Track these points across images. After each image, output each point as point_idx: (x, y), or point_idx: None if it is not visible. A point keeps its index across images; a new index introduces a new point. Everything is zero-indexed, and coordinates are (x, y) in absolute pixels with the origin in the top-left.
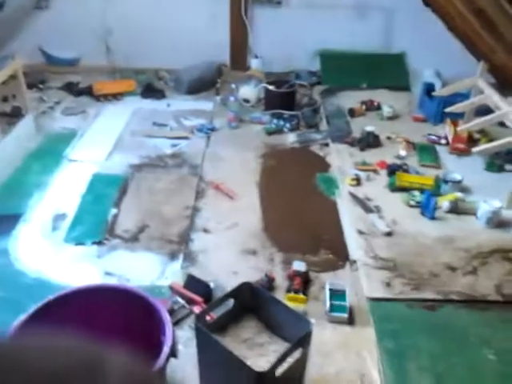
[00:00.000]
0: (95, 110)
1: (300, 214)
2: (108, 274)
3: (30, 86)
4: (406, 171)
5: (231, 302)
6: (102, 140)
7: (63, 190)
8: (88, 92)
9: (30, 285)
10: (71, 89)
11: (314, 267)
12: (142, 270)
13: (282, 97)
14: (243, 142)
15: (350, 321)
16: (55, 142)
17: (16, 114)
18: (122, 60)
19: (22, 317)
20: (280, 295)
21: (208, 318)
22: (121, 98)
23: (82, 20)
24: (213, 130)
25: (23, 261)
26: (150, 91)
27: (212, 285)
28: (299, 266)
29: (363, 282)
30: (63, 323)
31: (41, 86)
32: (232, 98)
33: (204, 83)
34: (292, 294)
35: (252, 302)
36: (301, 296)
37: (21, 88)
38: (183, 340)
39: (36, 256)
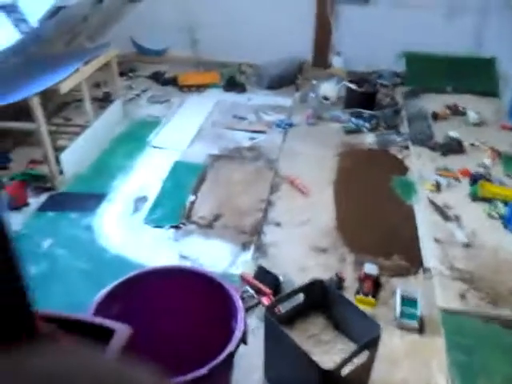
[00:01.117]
0: (179, 99)
1: (374, 215)
2: (183, 257)
3: (121, 74)
4: (490, 181)
5: (301, 296)
6: (184, 129)
7: (145, 175)
8: (173, 82)
9: (110, 260)
10: (158, 78)
11: (386, 271)
12: (215, 257)
13: (363, 96)
14: (320, 139)
15: (420, 329)
16: (140, 128)
17: (106, 100)
18: (207, 53)
19: (103, 291)
20: (349, 296)
21: (276, 310)
22: (204, 90)
23: (171, 13)
24: (291, 125)
25: (105, 238)
26: (232, 85)
27: (281, 278)
28: (371, 269)
29: (437, 291)
30: (141, 300)
31: (130, 74)
32: (312, 95)
33: (285, 79)
34: (361, 297)
35: (321, 299)
36: (370, 299)
37: (113, 75)
38: (250, 329)
39: (117, 234)
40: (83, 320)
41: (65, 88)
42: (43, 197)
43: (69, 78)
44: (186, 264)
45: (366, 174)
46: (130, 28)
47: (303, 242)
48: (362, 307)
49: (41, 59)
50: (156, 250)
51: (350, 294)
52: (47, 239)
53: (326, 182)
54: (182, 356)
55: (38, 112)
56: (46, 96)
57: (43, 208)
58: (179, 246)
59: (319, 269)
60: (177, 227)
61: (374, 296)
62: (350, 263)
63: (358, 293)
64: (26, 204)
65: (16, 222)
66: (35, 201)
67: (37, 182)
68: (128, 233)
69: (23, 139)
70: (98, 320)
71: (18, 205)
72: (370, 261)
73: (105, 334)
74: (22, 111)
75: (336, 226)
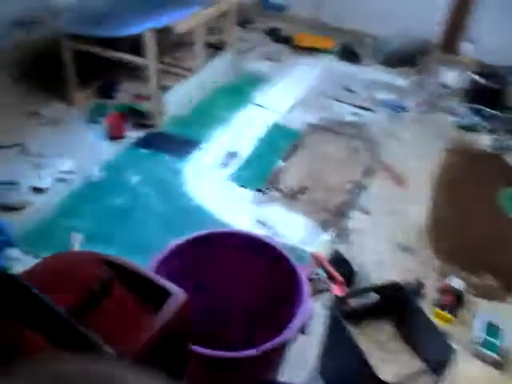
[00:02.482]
0: (291, 60)
1: (471, 224)
2: (260, 222)
3: (238, 24)
4: None
5: (375, 296)
6: (288, 91)
7: (241, 131)
8: (288, 41)
9: (190, 209)
10: (273, 34)
11: (471, 289)
12: (292, 230)
13: (488, 91)
14: (429, 129)
15: (500, 364)
16: (246, 83)
17: (219, 47)
18: (328, 16)
19: (172, 244)
20: (425, 306)
21: (345, 304)
22: (317, 54)
23: None
24: (401, 108)
25: (191, 185)
26: (347, 53)
27: (357, 268)
28: (456, 283)
29: None
30: (206, 260)
31: (247, 25)
32: (431, 80)
33: (404, 57)
34: (439, 310)
35: (396, 304)
36: (448, 315)
37: (230, 24)
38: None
39: (202, 185)
40: (143, 274)
41: (181, 28)
42: (140, 133)
43: (186, 19)
44: (261, 230)
45: (471, 178)
46: None
47: (388, 236)
48: (437, 321)
49: None
50: (235, 209)
51: (427, 303)
52: (136, 175)
53: (425, 176)
54: (236, 326)
55: (151, 48)
56: (161, 34)
57: (138, 144)
58: (259, 210)
59: (399, 269)
60: (260, 191)
61: (452, 312)
62: (434, 270)
63: (436, 305)
64: (122, 137)
65: (109, 152)
66: (133, 135)
67: (137, 117)
68: (213, 185)
69: (133, 73)
70: (157, 278)
71: (114, 136)
72: (457, 273)
73: (161, 293)
74: (136, 45)
75: (427, 226)
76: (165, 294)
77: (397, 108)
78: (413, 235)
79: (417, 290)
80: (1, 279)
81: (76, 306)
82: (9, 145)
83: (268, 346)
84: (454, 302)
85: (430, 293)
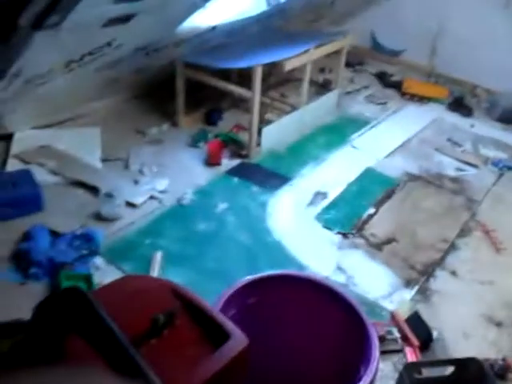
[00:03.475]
0: (397, 105)
1: None
2: (339, 269)
3: (348, 65)
4: None
5: (450, 369)
6: (389, 137)
7: (335, 172)
8: (397, 86)
9: (270, 244)
10: (382, 78)
11: None
12: (372, 282)
13: None
14: None
15: None
16: (347, 124)
17: (325, 86)
18: (443, 65)
19: (249, 277)
20: None
21: (417, 372)
22: (426, 102)
23: (418, 15)
24: (510, 168)
25: (274, 220)
26: (459, 105)
27: (435, 334)
28: None
29: None
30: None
31: (357, 67)
32: None
33: None
34: None
35: (472, 382)
36: None
37: (339, 64)
38: (379, 376)
39: (286, 221)
40: (207, 310)
41: (289, 65)
42: (235, 162)
43: (296, 57)
44: (340, 277)
45: None
46: (373, 21)
47: (476, 305)
48: None
49: (278, 33)
50: (316, 251)
51: None
52: (224, 202)
53: None
54: (294, 377)
55: (258, 82)
56: (271, 69)
57: (231, 172)
58: (340, 255)
59: (484, 344)
60: (345, 235)
61: None
62: None
63: None
64: (219, 164)
65: (204, 177)
66: (227, 163)
67: (235, 146)
68: (296, 223)
69: (238, 103)
70: (220, 317)
71: (212, 162)
72: None
73: (222, 333)
74: (244, 77)
75: None
76: (226, 334)
77: (505, 167)
78: (506, 309)
79: (502, 371)
80: (72, 295)
81: (139, 333)
82: (113, 159)
83: None
84: None
85: None
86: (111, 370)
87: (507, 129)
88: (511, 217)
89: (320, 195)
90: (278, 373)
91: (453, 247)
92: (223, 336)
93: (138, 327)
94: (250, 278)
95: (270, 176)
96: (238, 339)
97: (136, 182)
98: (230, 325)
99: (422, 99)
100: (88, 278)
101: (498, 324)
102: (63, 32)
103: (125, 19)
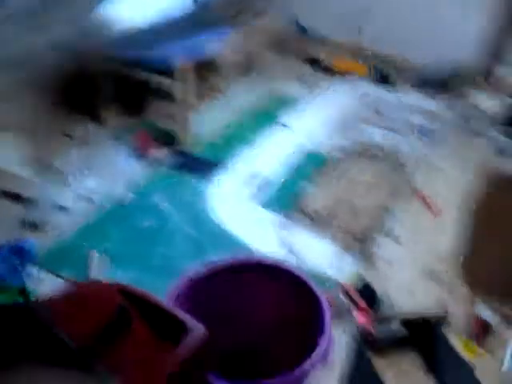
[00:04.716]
0: (324, 83)
1: (504, 253)
2: (284, 246)
3: (270, 47)
4: None
5: (400, 325)
6: (319, 114)
7: (268, 153)
8: (321, 64)
9: (215, 231)
10: (307, 57)
11: (503, 319)
12: (318, 255)
13: None
14: (464, 155)
15: None
16: (275, 106)
17: (251, 69)
18: (368, 41)
19: (198, 269)
20: (452, 337)
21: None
22: (352, 79)
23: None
24: (433, 132)
25: (215, 208)
26: (385, 78)
27: (382, 296)
28: (486, 313)
29: None
30: (226, 288)
31: (279, 48)
32: (466, 105)
33: (439, 82)
34: (466, 341)
35: (421, 333)
36: (476, 346)
37: (262, 46)
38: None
39: (227, 207)
40: (162, 306)
41: (225, 58)
42: (167, 153)
43: (223, 46)
44: (287, 255)
45: (508, 205)
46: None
47: (416, 264)
48: (463, 352)
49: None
50: (260, 232)
51: (453, 334)
52: (161, 196)
53: (458, 205)
54: (254, 355)
55: (181, 70)
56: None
57: (165, 164)
58: (284, 234)
59: (426, 297)
60: (286, 214)
61: (480, 343)
62: (463, 300)
63: (464, 336)
64: (150, 155)
65: (136, 171)
66: (159, 155)
67: (165, 137)
68: (237, 208)
69: (162, 93)
70: (176, 311)
71: (142, 155)
72: (487, 303)
73: (180, 327)
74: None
75: (458, 255)
76: (184, 328)
77: (429, 132)
78: (442, 264)
79: (444, 319)
80: (17, 310)
81: (92, 341)
82: (40, 164)
83: (287, 377)
84: (483, 333)
85: (458, 323)
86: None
87: (431, 98)
88: (442, 180)
89: (257, 177)
90: (240, 353)
91: (391, 214)
92: (181, 329)
93: (93, 334)
94: (199, 268)
95: (204, 163)
96: (197, 331)
97: (64, 184)
98: (186, 318)
99: (348, 75)
100: (23, 291)
101: (438, 279)
102: None
103: None
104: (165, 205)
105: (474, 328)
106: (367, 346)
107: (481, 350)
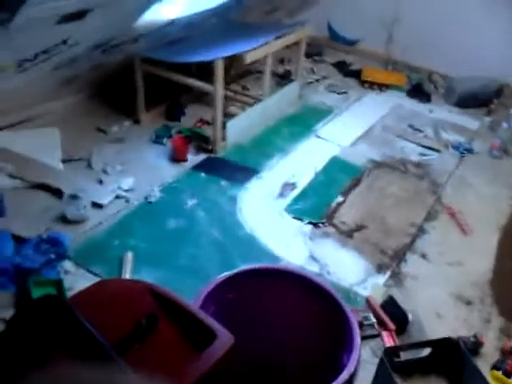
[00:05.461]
0: (357, 94)
1: None
2: (312, 258)
3: (307, 56)
4: None
5: (427, 350)
6: (352, 126)
7: (301, 162)
8: (356, 75)
9: (242, 237)
10: (342, 68)
11: None
12: (345, 269)
13: None
14: (500, 175)
15: None
16: (310, 114)
17: (286, 78)
18: (400, 52)
19: (220, 277)
20: (482, 367)
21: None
22: (385, 90)
23: (374, 4)
24: (470, 151)
25: (244, 214)
26: (417, 91)
27: (410, 316)
28: None
29: None
30: (252, 296)
31: (316, 57)
32: (505, 125)
33: (477, 99)
34: (499, 374)
35: (450, 361)
36: (510, 382)
37: (299, 55)
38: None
39: (256, 214)
40: (190, 310)
41: (250, 58)
42: (201, 157)
43: (256, 49)
44: (313, 266)
45: None
46: (329, 11)
47: (447, 286)
48: None
49: (237, 26)
50: (288, 242)
51: (485, 363)
52: (193, 198)
53: (492, 226)
54: (279, 367)
55: (219, 76)
56: (231, 62)
57: (198, 168)
58: (312, 245)
59: (456, 322)
60: (316, 225)
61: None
62: (496, 328)
63: (495, 367)
64: (185, 160)
65: (171, 174)
66: (193, 159)
67: (199, 141)
68: (267, 216)
69: (200, 98)
70: (204, 317)
71: (178, 158)
72: None
73: (207, 332)
74: (205, 71)
75: (491, 278)
76: (210, 334)
77: (466, 151)
78: (475, 288)
79: (474, 347)
80: (49, 304)
81: (121, 339)
82: (75, 159)
83: None
84: None
85: (490, 353)
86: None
87: (464, 113)
88: (474, 198)
89: (288, 186)
90: (261, 364)
91: (421, 231)
92: (207, 335)
93: (120, 333)
94: (227, 274)
95: (237, 170)
96: (224, 338)
97: (100, 182)
98: (214, 324)
99: (381, 87)
100: (58, 284)
101: (468, 303)
102: (13, 30)
103: (79, 15)
104: (195, 207)
105: (509, 362)
106: (393, 368)
107: None
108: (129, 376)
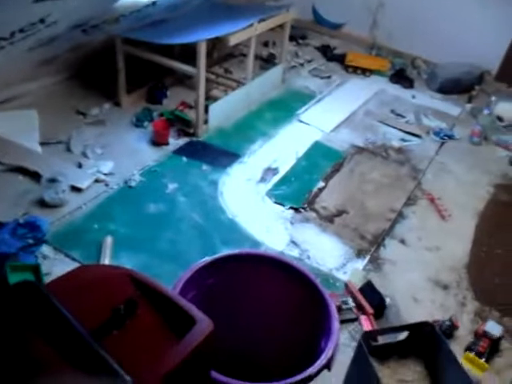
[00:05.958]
0: (341, 78)
1: None
2: (293, 242)
3: (291, 39)
4: None
5: (405, 334)
6: (335, 111)
7: (283, 147)
8: (340, 59)
9: (223, 222)
10: (326, 52)
11: (511, 336)
12: (325, 254)
13: None
14: (479, 162)
15: None
16: (293, 99)
17: (270, 61)
18: (384, 37)
19: (199, 263)
20: (457, 349)
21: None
22: (369, 75)
23: None
24: (450, 137)
25: (226, 198)
26: (400, 77)
27: (388, 300)
28: (493, 328)
29: None
30: (231, 281)
31: (300, 41)
32: (486, 111)
33: (459, 85)
34: (472, 355)
35: (426, 343)
36: (481, 362)
37: (283, 38)
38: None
39: (237, 199)
40: (169, 296)
41: (234, 40)
42: (182, 141)
43: (240, 32)
44: (294, 251)
45: None
46: None
47: (424, 270)
48: (469, 367)
49: (220, 7)
50: (269, 226)
51: (459, 346)
52: (174, 183)
53: (470, 211)
54: (258, 353)
55: (202, 58)
56: (214, 44)
57: (179, 152)
58: (293, 230)
59: (433, 306)
60: (297, 210)
61: (487, 359)
62: (470, 312)
63: (469, 349)
64: (166, 143)
65: (152, 158)
66: (174, 142)
67: (181, 125)
68: (248, 200)
69: (182, 81)
70: (183, 303)
71: (159, 142)
72: (495, 317)
73: (186, 318)
74: (187, 53)
75: (467, 263)
76: (190, 319)
77: (446, 137)
78: (452, 272)
79: (449, 330)
80: (25, 289)
81: (99, 325)
82: (53, 142)
83: (292, 380)
84: (488, 349)
85: (464, 335)
86: (73, 368)
87: (446, 99)
88: (454, 184)
89: (270, 171)
90: (240, 350)
91: (401, 216)
92: (187, 321)
93: (99, 319)
94: (207, 259)
95: (218, 154)
96: (204, 324)
97: (80, 166)
98: (194, 309)
99: (364, 72)
100: (36, 269)
101: (445, 287)
102: None
103: None
104: (175, 191)
105: (481, 343)
106: (371, 352)
107: (486, 367)
108: None
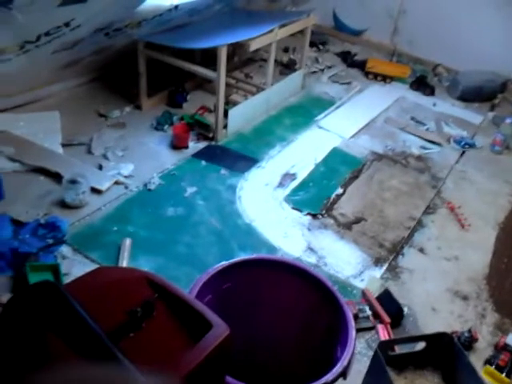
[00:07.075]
0: (360, 85)
1: None
2: (310, 249)
3: (311, 45)
4: None
5: (422, 344)
6: (355, 117)
7: (302, 153)
8: (360, 66)
9: (240, 227)
10: (346, 58)
11: None
12: (342, 261)
13: None
14: (501, 171)
15: None
16: (312, 104)
17: (290, 67)
18: (405, 44)
19: (216, 267)
20: (476, 362)
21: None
22: (389, 82)
23: None
24: (471, 146)
25: (243, 203)
26: (421, 84)
27: (405, 310)
28: None
29: None
30: (247, 286)
31: (320, 47)
32: (508, 120)
33: (481, 93)
34: (492, 369)
35: (444, 355)
36: (502, 376)
37: (304, 44)
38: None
39: (255, 204)
40: (186, 300)
41: (254, 45)
42: (202, 145)
43: (261, 37)
44: (311, 258)
45: None
46: (336, 1)
47: (443, 280)
48: (489, 381)
49: (241, 13)
50: (287, 232)
51: (478, 358)
52: (192, 186)
53: (490, 221)
54: (272, 359)
55: (223, 63)
56: (235, 49)
57: (198, 155)
58: (311, 236)
59: (451, 317)
60: (314, 216)
61: (508, 374)
62: (490, 324)
63: (489, 362)
64: (186, 147)
65: (171, 161)
66: (194, 146)
67: (200, 129)
68: (266, 205)
69: (202, 85)
70: (200, 307)
71: (179, 145)
72: None
73: (203, 322)
74: (208, 58)
75: (487, 274)
76: (206, 323)
77: (467, 145)
78: (472, 283)
79: (468, 342)
80: (45, 289)
81: (116, 327)
82: (75, 143)
83: None
84: (509, 362)
85: (483, 348)
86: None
87: (468, 107)
88: (474, 194)
89: (288, 176)
90: (255, 354)
91: (420, 224)
92: (203, 325)
93: (116, 321)
94: (224, 263)
95: (237, 158)
96: (220, 328)
97: (100, 167)
98: (210, 314)
99: (385, 78)
100: (55, 269)
101: (464, 298)
102: (15, 11)
103: None
104: (194, 195)
105: (503, 357)
106: (387, 362)
107: (507, 381)
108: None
